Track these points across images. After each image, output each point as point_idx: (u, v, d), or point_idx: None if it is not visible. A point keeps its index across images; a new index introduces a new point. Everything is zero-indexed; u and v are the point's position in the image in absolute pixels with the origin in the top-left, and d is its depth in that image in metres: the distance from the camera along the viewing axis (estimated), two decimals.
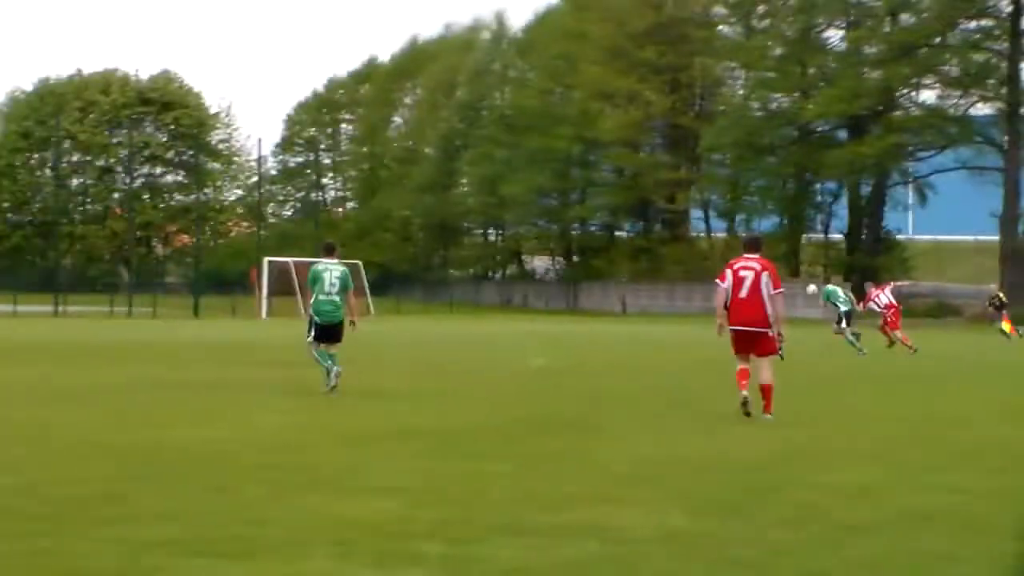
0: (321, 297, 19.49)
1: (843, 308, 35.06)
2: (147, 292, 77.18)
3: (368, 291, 78.87)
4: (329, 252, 20.38)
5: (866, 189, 79.10)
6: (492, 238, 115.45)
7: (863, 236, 78.15)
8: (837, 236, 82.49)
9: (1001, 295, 48.00)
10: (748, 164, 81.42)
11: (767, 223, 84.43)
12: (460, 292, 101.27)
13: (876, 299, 37.23)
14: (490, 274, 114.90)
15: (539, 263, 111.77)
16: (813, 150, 77.28)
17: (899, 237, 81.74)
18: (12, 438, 13.16)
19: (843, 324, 35.08)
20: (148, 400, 17.72)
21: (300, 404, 17.40)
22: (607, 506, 9.28)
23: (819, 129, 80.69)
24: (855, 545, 8.08)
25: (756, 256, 16.70)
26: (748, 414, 15.77)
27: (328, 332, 19.55)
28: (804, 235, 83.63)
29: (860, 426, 15.50)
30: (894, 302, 37.11)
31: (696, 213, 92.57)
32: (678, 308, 79.37)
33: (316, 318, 19.50)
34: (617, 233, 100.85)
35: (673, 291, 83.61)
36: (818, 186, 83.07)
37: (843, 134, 79.01)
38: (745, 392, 15.91)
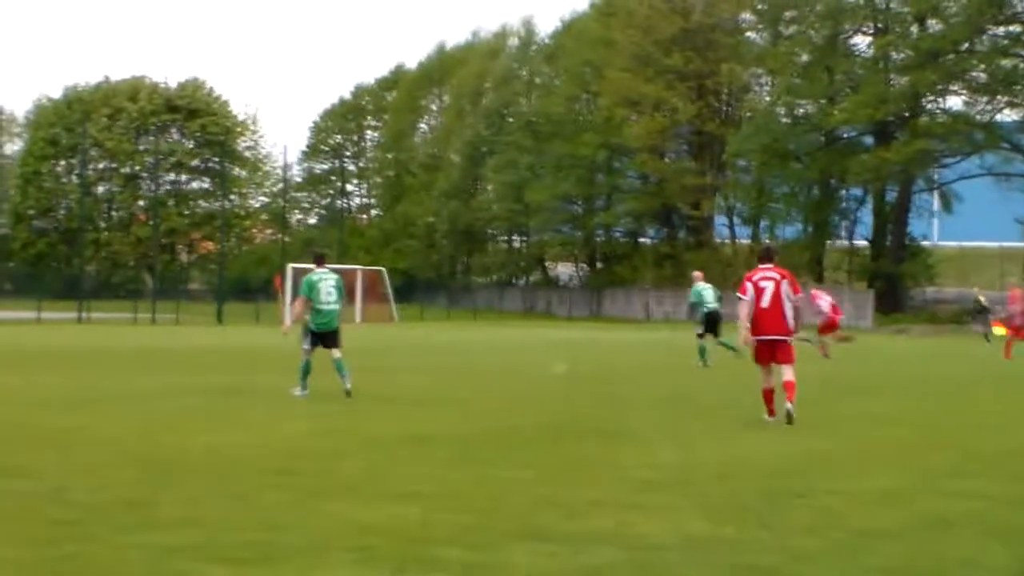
0: (319, 306, 19.91)
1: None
2: (171, 299, 77.33)
3: (392, 298, 78.92)
4: (319, 262, 20.82)
5: (891, 195, 78.72)
6: (516, 245, 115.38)
7: (888, 243, 77.78)
8: (862, 242, 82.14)
9: (981, 298, 46.48)
10: (773, 170, 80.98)
11: (791, 229, 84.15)
12: (484, 299, 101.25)
13: (820, 302, 37.20)
14: (514, 281, 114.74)
15: (563, 270, 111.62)
16: (839, 156, 76.93)
17: (924, 243, 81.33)
18: (37, 444, 13.22)
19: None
20: (171, 406, 17.77)
21: (322, 410, 17.42)
22: (628, 512, 9.29)
23: (845, 135, 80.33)
24: (877, 552, 8.07)
25: (772, 266, 16.98)
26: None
27: (326, 338, 19.99)
28: (828, 241, 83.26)
29: (881, 432, 15.48)
30: (829, 310, 36.90)
31: (720, 219, 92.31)
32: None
33: (312, 327, 19.93)
34: (641, 240, 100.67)
35: None
36: (843, 192, 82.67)
37: (869, 140, 78.65)
38: (772, 419, 16.22)
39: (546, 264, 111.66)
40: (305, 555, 7.77)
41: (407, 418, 16.39)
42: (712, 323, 30.46)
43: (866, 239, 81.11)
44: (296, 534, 8.35)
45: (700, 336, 30.54)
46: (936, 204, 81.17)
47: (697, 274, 32.31)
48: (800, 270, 78.24)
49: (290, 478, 10.85)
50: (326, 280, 20.09)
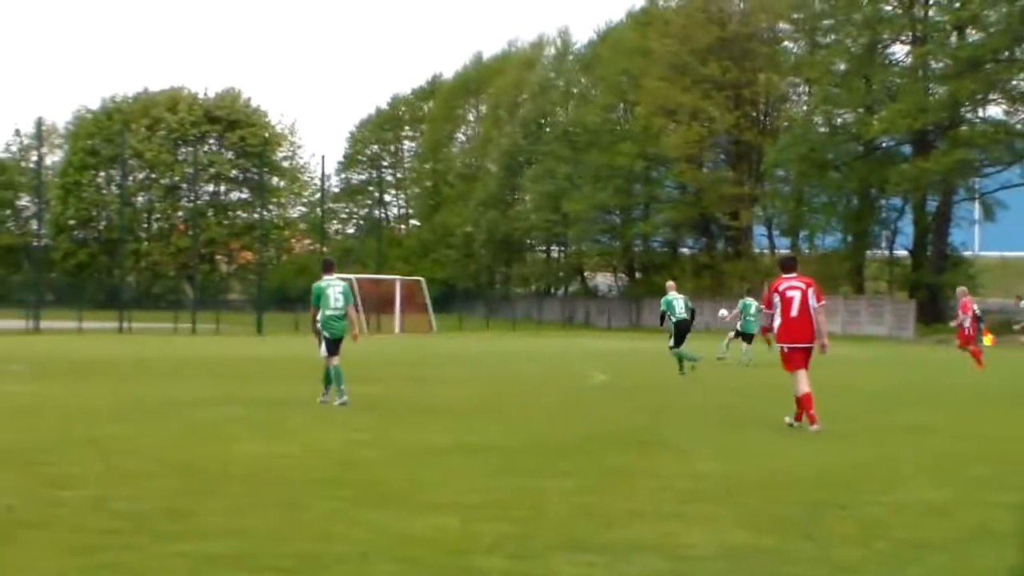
0: (328, 312, 20.34)
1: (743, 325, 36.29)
2: (211, 309, 77.53)
3: (430, 307, 78.96)
4: (328, 269, 21.16)
5: (931, 204, 78.29)
6: (554, 255, 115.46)
7: (928, 252, 77.35)
8: (902, 252, 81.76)
9: (975, 307, 44.58)
10: (812, 180, 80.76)
11: (831, 239, 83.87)
12: (522, 309, 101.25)
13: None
14: (552, 291, 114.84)
15: (601, 280, 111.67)
16: (878, 166, 76.61)
17: (965, 253, 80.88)
18: (79, 453, 13.26)
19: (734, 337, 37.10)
20: (213, 416, 17.81)
21: (364, 420, 17.42)
22: (669, 523, 9.26)
23: (884, 145, 79.91)
24: (923, 562, 8.01)
25: (795, 275, 17.22)
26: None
27: (335, 345, 20.29)
28: (868, 251, 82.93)
29: (923, 443, 15.38)
30: None
31: (759, 229, 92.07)
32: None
33: (325, 333, 20.26)
34: (680, 249, 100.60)
35: (735, 308, 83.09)
36: (883, 202, 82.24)
37: (908, 149, 78.24)
38: (816, 427, 16.25)
39: (585, 274, 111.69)
40: (348, 565, 7.76)
41: (447, 428, 16.40)
42: (680, 333, 30.83)
43: (906, 249, 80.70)
44: (339, 544, 8.35)
45: (675, 347, 31.07)
46: (978, 213, 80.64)
47: (670, 284, 33.20)
48: (840, 280, 78.02)
49: (332, 488, 10.86)
50: (334, 287, 20.51)
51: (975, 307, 42.89)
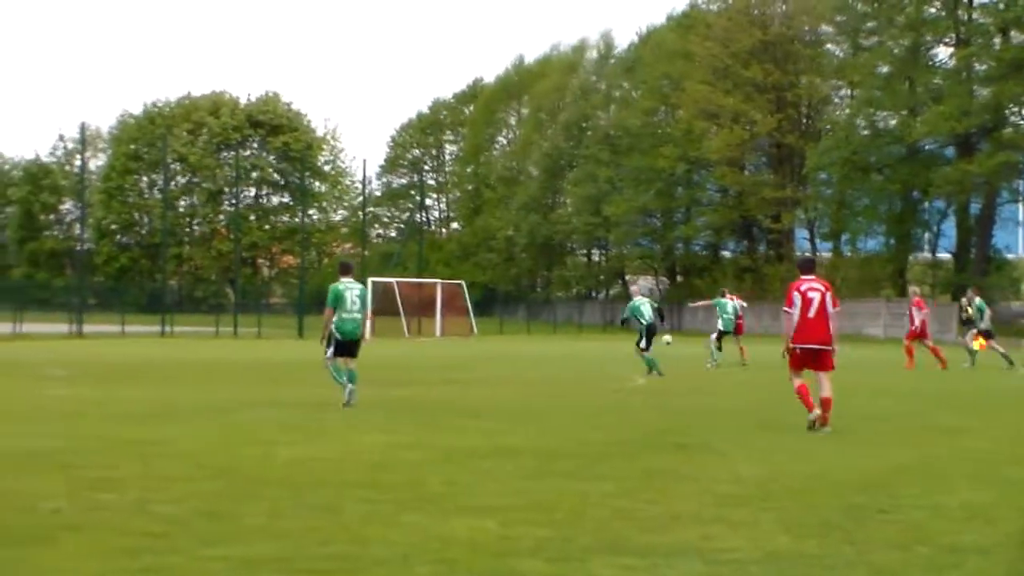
0: (344, 315, 20.57)
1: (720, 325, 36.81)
2: (252, 312, 77.73)
3: (471, 311, 79.00)
4: (346, 271, 21.27)
5: (975, 207, 77.80)
6: (595, 258, 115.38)
7: (971, 255, 76.86)
8: (945, 255, 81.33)
9: (970, 308, 42.17)
10: (854, 183, 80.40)
11: (872, 242, 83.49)
12: (563, 312, 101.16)
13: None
14: (593, 294, 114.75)
15: (643, 283, 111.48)
16: (921, 168, 76.18)
17: (1008, 256, 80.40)
18: (120, 456, 13.31)
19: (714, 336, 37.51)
20: (253, 419, 17.85)
21: (402, 423, 17.44)
22: (708, 526, 9.23)
23: (927, 147, 79.47)
24: (965, 567, 7.96)
25: (814, 277, 17.53)
26: (812, 427, 16.59)
27: (348, 347, 20.59)
28: (911, 254, 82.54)
29: (962, 445, 15.27)
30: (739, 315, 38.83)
31: (801, 232, 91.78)
32: (783, 328, 78.68)
33: (338, 335, 20.54)
34: (721, 252, 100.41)
35: (777, 311, 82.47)
36: (925, 205, 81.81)
37: (951, 152, 77.74)
38: (818, 411, 16.59)
39: (626, 277, 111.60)
40: (388, 567, 7.77)
41: (486, 431, 16.38)
42: (649, 336, 31.31)
43: (949, 252, 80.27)
44: (379, 547, 8.36)
45: (644, 350, 31.67)
46: (1022, 215, 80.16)
47: (634, 289, 34.76)
48: (882, 283, 77.63)
49: (372, 490, 10.87)
50: (351, 290, 20.71)
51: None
